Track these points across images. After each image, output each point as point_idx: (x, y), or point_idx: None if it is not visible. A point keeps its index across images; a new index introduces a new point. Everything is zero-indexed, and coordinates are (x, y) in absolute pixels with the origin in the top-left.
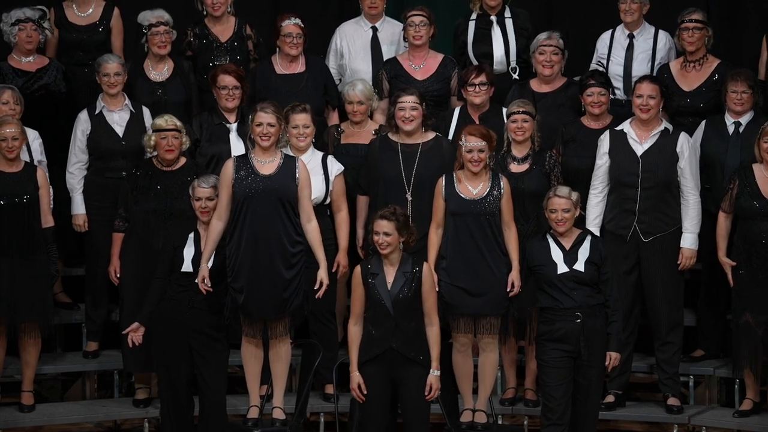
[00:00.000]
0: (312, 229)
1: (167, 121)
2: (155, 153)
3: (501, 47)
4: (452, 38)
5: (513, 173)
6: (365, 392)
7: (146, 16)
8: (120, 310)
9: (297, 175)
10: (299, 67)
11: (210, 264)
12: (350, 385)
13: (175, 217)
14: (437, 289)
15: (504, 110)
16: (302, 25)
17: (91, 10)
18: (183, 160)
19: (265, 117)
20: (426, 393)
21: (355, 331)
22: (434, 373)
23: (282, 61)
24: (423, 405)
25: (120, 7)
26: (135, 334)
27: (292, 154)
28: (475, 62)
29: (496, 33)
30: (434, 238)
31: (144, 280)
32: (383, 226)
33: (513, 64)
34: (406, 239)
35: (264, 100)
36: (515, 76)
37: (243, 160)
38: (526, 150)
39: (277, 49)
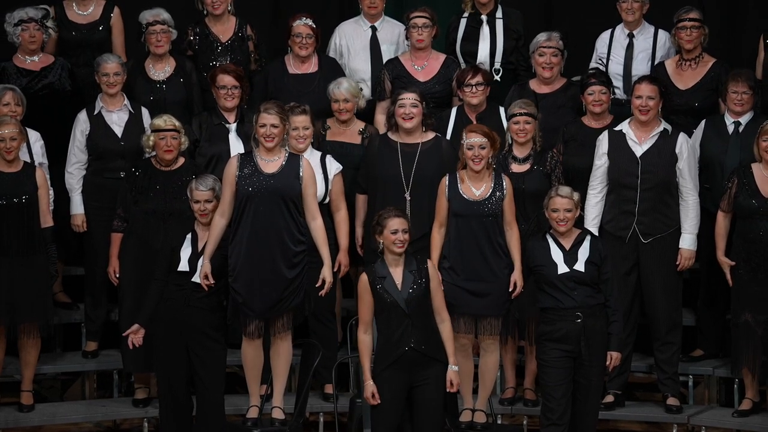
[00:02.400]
0: (317, 227)
1: (166, 121)
2: (154, 153)
3: (487, 47)
4: (445, 35)
5: (514, 173)
6: (378, 402)
7: (145, 15)
8: (119, 310)
9: (301, 174)
10: (311, 67)
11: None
12: (364, 393)
13: (174, 217)
14: (442, 288)
15: (501, 109)
16: (313, 26)
17: (91, 9)
18: (182, 160)
19: (269, 118)
20: (447, 388)
21: (365, 340)
22: (453, 368)
23: (294, 61)
24: (439, 405)
25: (121, 6)
26: (135, 336)
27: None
28: (461, 60)
29: (484, 33)
30: (437, 237)
31: (143, 280)
32: (402, 223)
33: (497, 65)
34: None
35: (272, 99)
36: (497, 77)
37: (247, 158)
38: (528, 150)
39: (289, 49)
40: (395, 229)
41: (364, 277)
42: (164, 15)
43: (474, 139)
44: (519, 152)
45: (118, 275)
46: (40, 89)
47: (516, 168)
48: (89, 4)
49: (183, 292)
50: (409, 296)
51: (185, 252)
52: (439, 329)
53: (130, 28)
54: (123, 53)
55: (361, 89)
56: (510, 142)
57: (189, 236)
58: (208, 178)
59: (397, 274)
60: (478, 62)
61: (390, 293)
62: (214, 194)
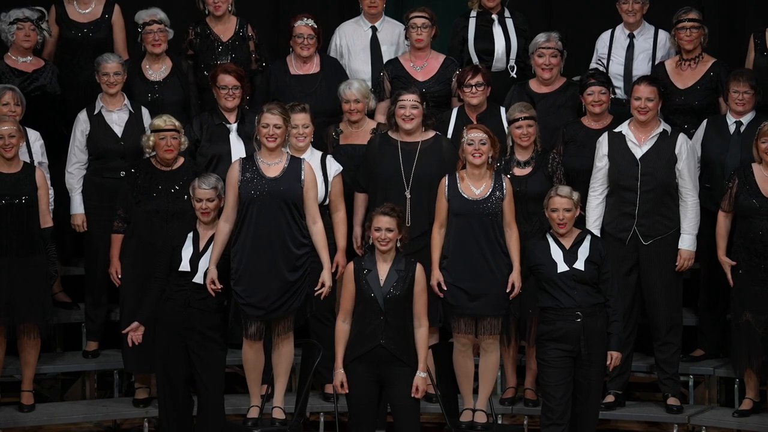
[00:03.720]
0: (317, 230)
1: (166, 121)
2: (153, 153)
3: (502, 44)
4: (450, 36)
5: (516, 176)
6: (347, 391)
7: (141, 15)
8: (120, 310)
9: (302, 177)
10: (313, 67)
11: (206, 265)
12: (333, 381)
13: (177, 217)
14: (444, 288)
15: (502, 110)
16: (315, 26)
17: (91, 7)
18: (181, 160)
19: (272, 118)
20: (412, 393)
21: (342, 328)
22: (420, 375)
23: (296, 62)
24: (412, 405)
25: (122, 6)
26: (134, 333)
27: (294, 154)
28: (475, 58)
29: (497, 30)
30: (437, 237)
31: (146, 280)
32: (386, 222)
33: (512, 62)
34: (402, 236)
35: (275, 100)
36: (513, 74)
37: (249, 162)
38: (530, 153)
39: (291, 50)
40: (378, 226)
41: (350, 266)
42: (161, 14)
43: (474, 135)
44: (521, 155)
45: (119, 276)
46: (33, 90)
47: (518, 171)
48: (90, 2)
49: (184, 293)
50: (389, 294)
51: (186, 252)
52: (414, 334)
53: (130, 28)
54: (125, 51)
55: (372, 90)
56: (511, 144)
57: (190, 236)
58: (210, 177)
59: (383, 270)
60: (495, 60)
61: (371, 287)
62: (216, 193)
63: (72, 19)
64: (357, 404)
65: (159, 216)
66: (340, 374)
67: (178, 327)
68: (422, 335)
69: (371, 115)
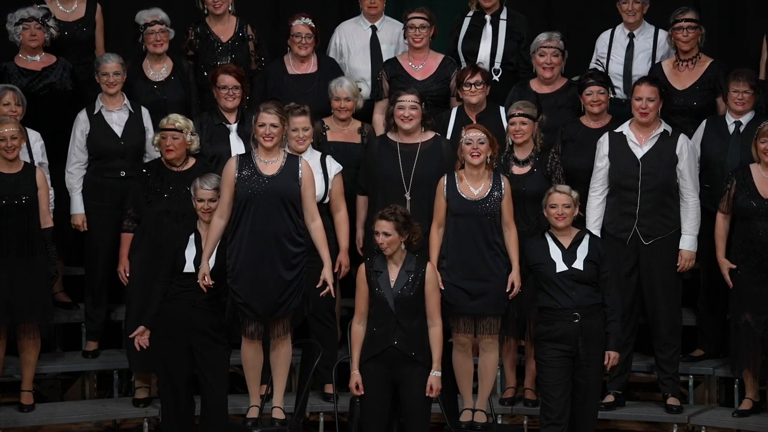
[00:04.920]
0: (316, 228)
1: (168, 120)
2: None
3: (488, 47)
4: (449, 34)
5: (515, 175)
6: (362, 393)
7: (142, 15)
8: (126, 309)
9: (300, 175)
10: (311, 67)
11: (212, 264)
12: (349, 383)
13: (188, 217)
14: (442, 288)
15: (501, 109)
16: (313, 26)
17: (75, 7)
18: (192, 161)
19: (269, 117)
20: (427, 393)
21: (358, 330)
22: (435, 374)
23: (294, 61)
24: (423, 405)
25: (122, 6)
26: (141, 337)
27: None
28: (462, 59)
29: (487, 32)
30: (435, 237)
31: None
32: (383, 226)
33: (497, 65)
34: (408, 238)
35: (272, 99)
36: (496, 78)
37: (246, 159)
38: (529, 152)
39: (289, 49)
40: (376, 230)
41: (362, 268)
42: (162, 15)
43: (473, 134)
44: (520, 154)
45: (128, 275)
46: (41, 89)
47: (517, 170)
48: (73, 1)
49: (189, 294)
50: (399, 295)
51: (189, 253)
52: (429, 333)
53: (126, 29)
54: (103, 51)
55: (360, 90)
56: (510, 143)
57: (192, 237)
58: (212, 177)
59: (393, 271)
60: (478, 61)
61: (381, 289)
62: (218, 193)
63: (57, 19)
64: (369, 405)
65: (169, 216)
66: (356, 376)
67: (182, 327)
68: (436, 334)
69: (358, 114)
